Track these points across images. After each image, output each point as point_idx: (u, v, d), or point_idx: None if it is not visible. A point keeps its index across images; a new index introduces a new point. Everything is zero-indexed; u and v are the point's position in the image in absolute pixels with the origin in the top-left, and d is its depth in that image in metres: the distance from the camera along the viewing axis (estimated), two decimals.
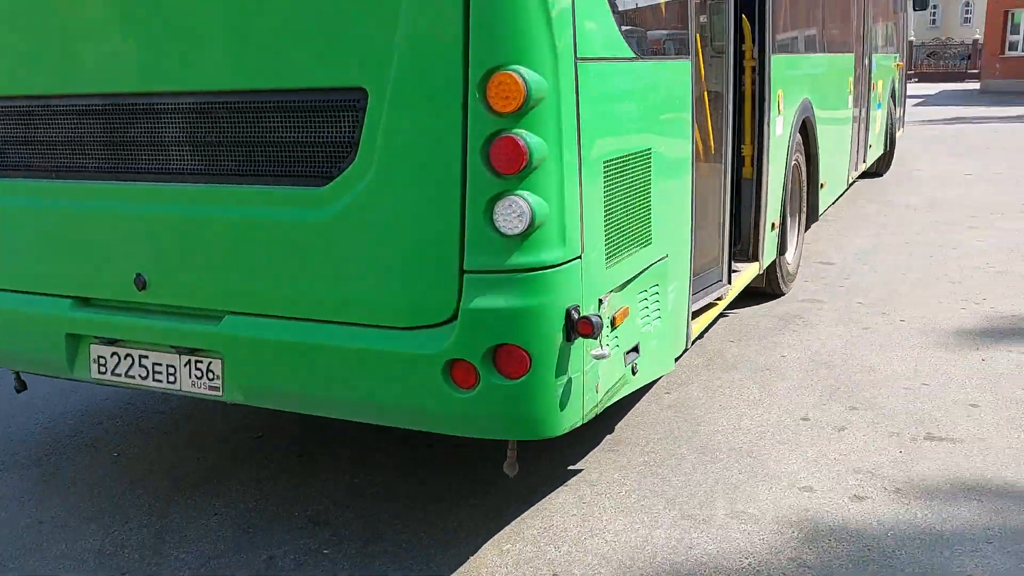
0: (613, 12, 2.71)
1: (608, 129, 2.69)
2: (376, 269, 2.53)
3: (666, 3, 3.34)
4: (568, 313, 2.45)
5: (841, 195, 7.83)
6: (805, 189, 5.81)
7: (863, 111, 8.00)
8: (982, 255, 6.54)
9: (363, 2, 2.42)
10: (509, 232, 2.34)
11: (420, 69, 2.37)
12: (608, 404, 2.83)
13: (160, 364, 2.91)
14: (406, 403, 2.62)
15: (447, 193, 2.39)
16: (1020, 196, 9.07)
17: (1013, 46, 29.48)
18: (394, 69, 2.38)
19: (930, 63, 42.49)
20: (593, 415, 2.71)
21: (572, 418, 2.58)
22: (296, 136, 2.58)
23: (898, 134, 11.13)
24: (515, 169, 2.30)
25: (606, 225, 2.66)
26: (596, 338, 2.51)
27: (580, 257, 2.49)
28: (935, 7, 61.81)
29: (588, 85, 2.47)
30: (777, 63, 4.76)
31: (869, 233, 7.45)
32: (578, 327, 2.45)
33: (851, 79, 7.33)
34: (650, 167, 2.99)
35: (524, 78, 2.26)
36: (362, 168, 2.48)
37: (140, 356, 2.94)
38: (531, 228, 2.34)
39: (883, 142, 9.86)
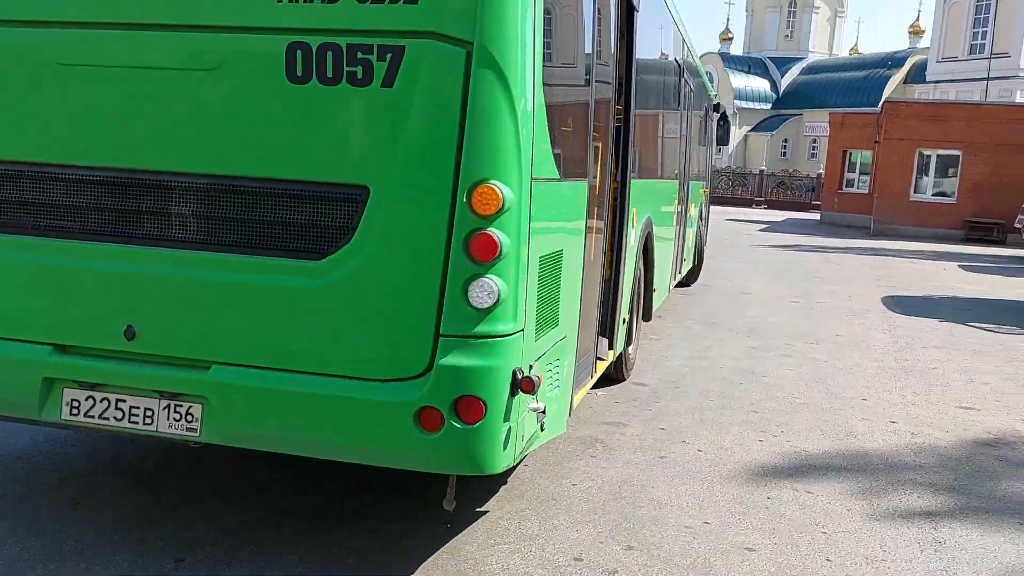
0: (551, 142, 3.29)
1: (543, 233, 3.28)
2: (361, 329, 3.01)
3: (574, 135, 3.89)
4: (514, 373, 3.00)
5: (663, 300, 8.42)
6: (643, 292, 6.63)
7: (682, 228, 9.11)
8: (788, 385, 6.68)
9: (372, 115, 2.95)
10: (479, 306, 2.91)
11: (418, 175, 2.93)
12: (526, 453, 3.41)
13: (138, 408, 3.17)
14: (376, 444, 3.07)
15: (430, 272, 2.94)
16: (835, 326, 9.48)
17: (850, 183, 31.88)
18: (396, 173, 2.94)
19: (779, 192, 45.45)
20: (520, 459, 3.32)
21: (507, 459, 3.09)
22: (300, 218, 3.04)
23: (704, 249, 12.67)
24: (489, 258, 2.89)
25: (537, 307, 3.24)
26: (535, 394, 3.11)
27: (523, 330, 3.07)
28: (786, 140, 67.04)
29: (536, 199, 3.08)
30: (633, 186, 5.34)
31: (688, 355, 7.53)
32: (522, 385, 3.01)
33: (676, 201, 7.95)
34: (560, 264, 3.60)
35: (501, 190, 2.87)
36: (357, 248, 2.98)
37: (117, 400, 3.19)
38: (496, 304, 2.91)
39: (693, 257, 11.13)
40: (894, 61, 61.84)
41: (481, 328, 2.93)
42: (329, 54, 2.92)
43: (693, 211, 10.29)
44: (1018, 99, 44.95)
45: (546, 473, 4.46)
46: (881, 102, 31.58)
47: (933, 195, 26.68)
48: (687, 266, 10.55)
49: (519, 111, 2.93)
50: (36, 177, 3.23)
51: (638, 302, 6.44)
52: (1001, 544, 3.92)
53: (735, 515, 4.07)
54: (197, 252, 3.11)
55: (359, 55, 2.91)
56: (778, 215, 35.30)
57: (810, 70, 68.94)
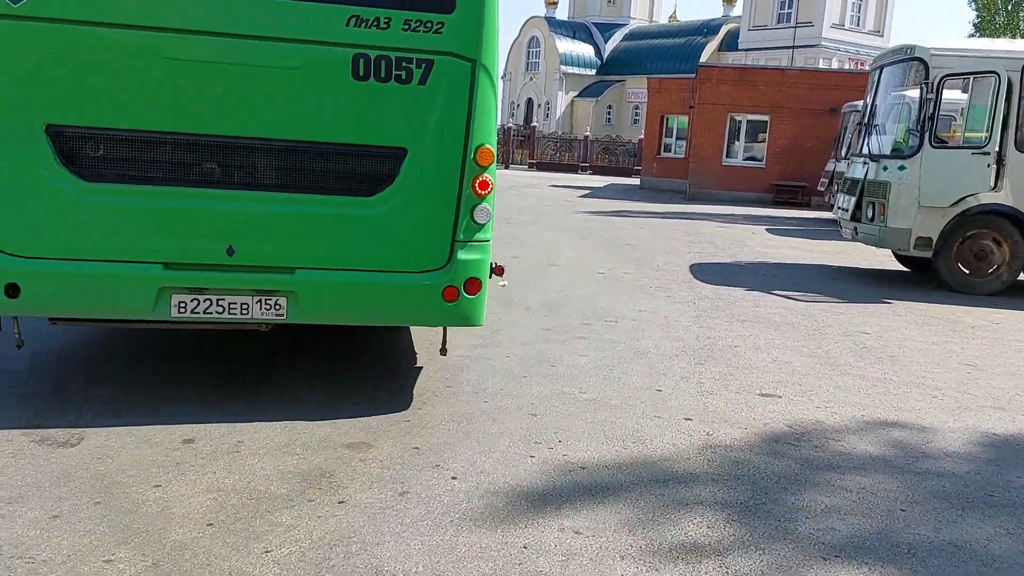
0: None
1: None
2: (402, 240, 4.56)
3: None
4: (491, 263, 4.88)
5: None
6: None
7: None
8: (578, 376, 5.83)
9: (411, 102, 4.44)
10: (480, 222, 4.63)
11: (441, 141, 4.52)
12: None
13: (235, 303, 4.48)
14: (413, 312, 4.74)
15: (449, 202, 4.57)
16: (638, 300, 8.82)
17: (668, 148, 32.18)
18: (427, 139, 4.51)
19: (603, 157, 45.75)
20: None
21: (484, 318, 4.87)
22: (357, 169, 4.52)
23: None
24: (486, 192, 4.61)
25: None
26: (502, 276, 5.43)
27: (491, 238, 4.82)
28: (610, 106, 67.98)
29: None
30: None
31: (473, 341, 6.56)
32: (496, 270, 5.12)
33: None
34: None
35: (492, 150, 4.61)
36: (397, 189, 4.53)
37: (217, 299, 4.46)
38: (488, 221, 4.65)
39: None
40: (709, 29, 63.79)
41: (479, 236, 4.63)
42: (383, 62, 4.37)
43: None
44: (821, 66, 47.29)
45: (235, 535, 3.31)
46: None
47: (744, 159, 27.26)
48: None
49: (497, 101, 4.64)
50: (161, 142, 4.31)
51: None
52: None
53: None
54: (283, 193, 4.43)
55: (403, 64, 4.38)
56: (601, 181, 35.38)
57: (632, 36, 70.08)
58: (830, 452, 4.62)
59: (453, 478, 3.99)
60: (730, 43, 60.85)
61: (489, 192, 4.59)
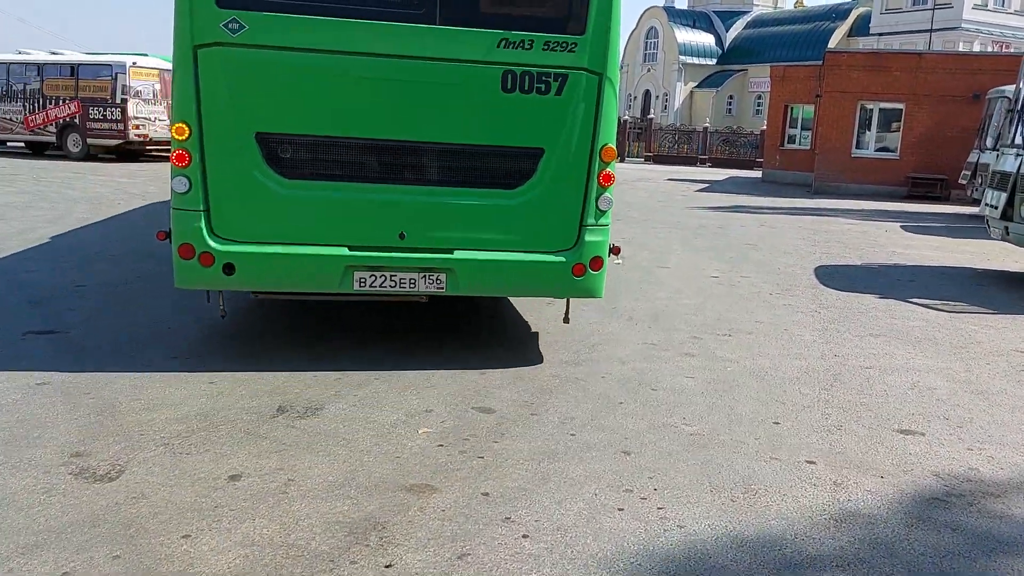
0: None
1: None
2: (540, 225, 5.43)
3: None
4: (610, 244, 5.64)
5: None
6: None
7: None
8: (683, 403, 5.12)
9: (549, 110, 5.29)
10: (604, 209, 5.46)
11: (573, 142, 5.35)
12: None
13: (405, 278, 5.36)
14: (547, 285, 5.62)
15: (577, 193, 5.41)
16: (755, 310, 7.97)
17: (792, 139, 30.48)
18: (561, 141, 5.34)
19: (723, 150, 44.03)
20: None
21: (604, 291, 5.71)
22: (502, 167, 5.38)
23: None
24: (609, 183, 5.44)
25: None
26: (618, 255, 5.87)
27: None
28: (731, 97, 65.70)
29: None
30: None
31: (566, 357, 5.94)
32: (613, 250, 5.69)
33: None
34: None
35: (614, 147, 5.42)
36: (535, 183, 5.39)
37: (391, 275, 5.33)
38: (609, 208, 5.50)
39: None
40: (838, 13, 60.68)
41: (602, 220, 5.50)
42: (527, 77, 5.25)
43: None
44: (961, 49, 44.00)
45: None
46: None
47: (876, 150, 25.45)
48: None
49: (617, 105, 5.50)
50: (347, 145, 5.23)
51: None
52: None
53: None
54: (444, 187, 5.34)
55: (543, 78, 5.27)
56: (721, 173, 33.95)
57: (755, 24, 67.50)
58: (990, 516, 3.77)
59: (524, 536, 3.39)
60: (860, 28, 57.69)
61: (611, 184, 5.44)
